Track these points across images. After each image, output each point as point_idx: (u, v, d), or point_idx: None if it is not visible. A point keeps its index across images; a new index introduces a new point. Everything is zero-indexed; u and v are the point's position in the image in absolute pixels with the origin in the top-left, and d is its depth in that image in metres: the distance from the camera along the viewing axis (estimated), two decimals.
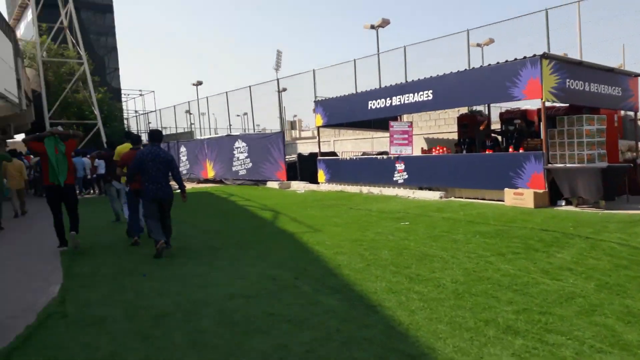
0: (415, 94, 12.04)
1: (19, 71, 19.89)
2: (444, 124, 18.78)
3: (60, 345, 3.16)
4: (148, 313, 3.77)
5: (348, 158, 15.64)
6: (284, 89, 28.58)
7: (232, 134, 21.32)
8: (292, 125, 38.79)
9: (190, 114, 35.51)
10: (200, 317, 3.65)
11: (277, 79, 24.09)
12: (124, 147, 7.63)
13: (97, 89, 27.05)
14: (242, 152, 18.80)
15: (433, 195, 11.54)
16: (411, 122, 13.45)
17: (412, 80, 12.37)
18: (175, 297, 4.18)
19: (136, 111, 42.38)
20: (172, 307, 3.90)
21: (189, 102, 31.12)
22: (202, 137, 22.87)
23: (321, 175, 15.25)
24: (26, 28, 30.19)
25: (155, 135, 6.43)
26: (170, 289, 4.48)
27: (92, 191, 18.24)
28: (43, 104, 24.18)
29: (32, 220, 10.74)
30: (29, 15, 28.86)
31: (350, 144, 20.93)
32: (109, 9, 32.75)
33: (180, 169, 22.90)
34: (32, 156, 17.92)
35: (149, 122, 40.61)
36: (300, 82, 24.69)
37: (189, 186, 19.38)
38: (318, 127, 15.53)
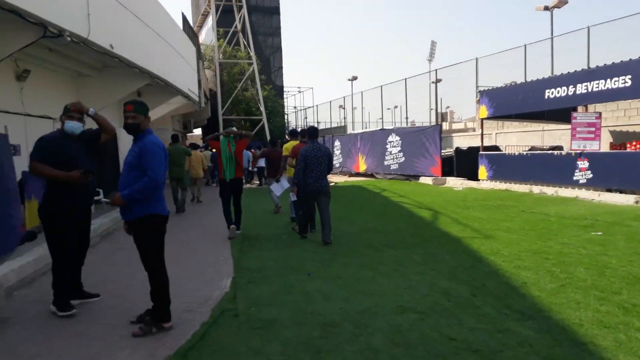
0: (608, 80, 10.11)
1: (200, 72, 22.58)
2: (636, 115, 15.66)
3: (233, 349, 3.12)
4: (316, 320, 3.59)
5: (516, 153, 14.05)
6: (439, 80, 27.39)
7: (385, 127, 21.00)
8: (443, 117, 36.92)
9: (343, 108, 36.40)
10: (371, 332, 3.32)
11: (436, 70, 22.98)
12: (290, 144, 8.32)
13: (263, 86, 29.32)
14: (395, 146, 18.36)
15: (625, 199, 9.60)
16: (600, 114, 11.38)
17: (605, 65, 10.42)
18: (342, 304, 3.94)
19: (295, 107, 45.13)
20: (340, 316, 3.66)
21: (344, 97, 31.84)
22: (356, 132, 23.07)
23: (482, 171, 13.97)
24: (206, 34, 34.27)
25: (313, 132, 6.93)
26: (336, 293, 4.27)
27: (254, 182, 19.73)
28: (217, 101, 27.06)
29: (209, 207, 11.88)
30: (210, 21, 32.69)
31: (515, 137, 18.87)
32: (276, 11, 35.20)
33: (335, 162, 23.57)
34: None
35: (306, 117, 42.85)
36: (456, 72, 23.24)
37: (341, 179, 19.74)
38: (482, 119, 14.24)
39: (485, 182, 13.84)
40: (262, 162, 15.53)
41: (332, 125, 35.48)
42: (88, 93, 14.19)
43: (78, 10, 9.05)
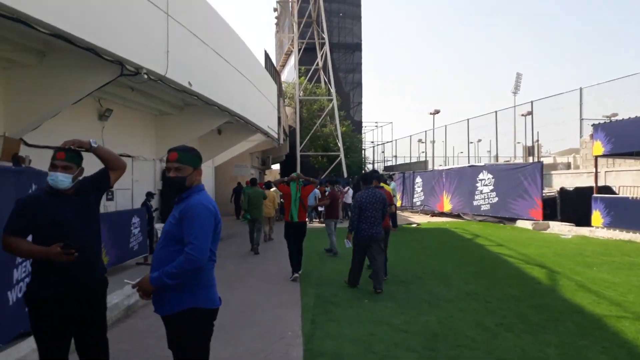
0: None
1: (280, 110, 22.57)
2: None
3: None
4: None
5: None
6: (529, 113, 25.44)
7: (475, 164, 19.27)
8: (530, 151, 33.83)
9: (422, 142, 34.84)
10: None
11: (531, 102, 20.90)
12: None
13: (342, 122, 28.83)
14: (486, 185, 16.55)
15: None
16: None
17: None
18: None
19: (372, 142, 44.22)
20: None
21: (425, 131, 30.38)
22: (441, 167, 21.47)
23: (597, 217, 11.81)
24: (289, 72, 34.90)
25: (367, 177, 6.92)
26: None
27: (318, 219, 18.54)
28: (296, 137, 26.89)
29: (281, 245, 11.03)
30: (292, 60, 33.28)
31: (630, 177, 16.23)
32: (357, 47, 35.06)
33: (415, 200, 22.00)
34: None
35: (383, 152, 41.75)
36: (547, 105, 21.14)
37: (424, 219, 18.15)
38: (596, 157, 12.18)
39: (600, 229, 11.66)
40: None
41: (412, 160, 33.96)
42: (167, 131, 14.31)
43: (157, 47, 8.90)
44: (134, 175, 12.48)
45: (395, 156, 36.26)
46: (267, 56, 19.34)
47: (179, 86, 9.83)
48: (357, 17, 35.74)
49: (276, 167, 34.98)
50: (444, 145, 29.86)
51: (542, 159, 30.13)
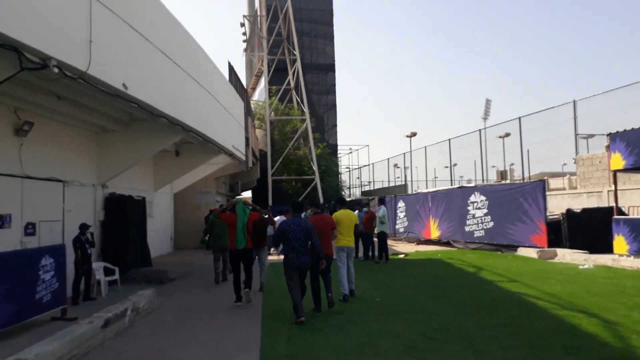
0: None
1: (248, 130, 20.58)
2: None
3: None
4: None
5: None
6: (507, 134, 24.37)
7: (465, 185, 17.59)
8: (502, 175, 32.78)
9: (397, 167, 33.38)
10: None
11: (519, 118, 19.48)
12: (342, 213, 8.00)
13: (317, 144, 27.04)
14: (479, 208, 14.82)
15: None
16: None
17: None
18: None
19: (348, 167, 42.60)
20: None
21: (404, 153, 28.82)
22: (426, 190, 19.71)
23: (620, 243, 10.10)
24: (259, 95, 33.11)
25: (297, 207, 6.96)
26: None
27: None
28: (267, 160, 24.87)
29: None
30: (263, 82, 31.56)
31: (638, 196, 14.80)
32: (331, 68, 33.73)
33: (397, 226, 20.07)
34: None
35: (359, 177, 40.13)
36: (531, 122, 19.81)
37: (410, 248, 16.19)
38: (615, 171, 10.55)
39: (626, 258, 9.93)
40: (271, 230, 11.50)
41: (391, 184, 32.32)
42: (111, 150, 12.03)
43: (75, 34, 6.82)
44: (65, 203, 10.12)
45: (373, 181, 34.62)
46: (231, 69, 17.43)
47: (110, 88, 7.71)
48: (330, 37, 34.56)
49: (247, 193, 32.70)
50: (424, 168, 28.40)
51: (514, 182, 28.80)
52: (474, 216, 14.99)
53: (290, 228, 6.44)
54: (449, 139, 23.40)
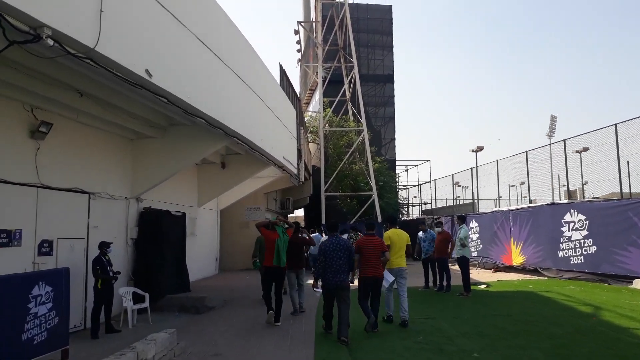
0: None
1: (301, 141, 19.02)
2: None
3: None
4: None
5: None
6: (585, 149, 20.93)
7: (558, 201, 14.93)
8: (571, 195, 28.83)
9: (459, 186, 30.54)
10: None
11: (615, 125, 16.43)
12: (392, 232, 7.57)
13: (374, 158, 25.04)
14: (577, 229, 12.15)
15: None
16: None
17: None
18: None
19: (407, 182, 40.08)
20: None
21: (472, 168, 26.07)
22: (506, 208, 17.05)
23: None
24: (313, 108, 31.73)
25: (331, 226, 7.23)
26: None
27: None
28: (321, 175, 23.19)
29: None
30: (317, 95, 30.18)
31: None
32: (390, 79, 31.90)
33: (471, 249, 17.44)
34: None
35: (415, 196, 37.44)
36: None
37: (487, 276, 13.64)
38: None
39: None
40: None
41: (458, 202, 29.51)
42: (146, 160, 10.65)
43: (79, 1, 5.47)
44: (91, 219, 8.80)
45: (435, 199, 31.91)
46: (283, 72, 15.93)
47: (129, 74, 6.25)
48: (389, 47, 32.75)
49: (300, 212, 31.09)
50: (492, 185, 25.43)
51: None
52: (569, 239, 12.32)
53: (329, 248, 6.59)
54: (526, 151, 20.53)
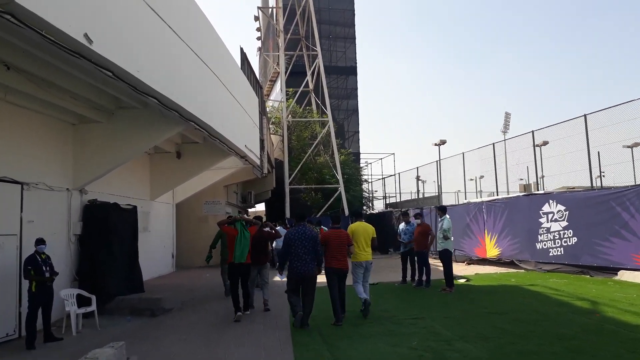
0: None
1: (264, 131, 17.95)
2: None
3: None
4: None
5: None
6: (545, 143, 20.99)
7: (535, 192, 14.62)
8: (526, 189, 29.17)
9: (420, 180, 30.33)
10: None
11: (585, 116, 16.30)
12: (357, 225, 7.59)
13: (340, 150, 24.30)
14: (556, 220, 11.83)
15: None
16: None
17: None
18: None
19: (370, 176, 39.62)
20: None
21: (436, 161, 25.77)
22: (479, 200, 16.67)
23: None
24: (274, 100, 30.61)
25: (299, 216, 7.27)
26: None
27: None
28: (285, 168, 22.20)
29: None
30: (278, 87, 29.02)
31: None
32: (353, 71, 31.17)
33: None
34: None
35: (377, 190, 37.09)
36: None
37: (463, 270, 13.17)
38: None
39: None
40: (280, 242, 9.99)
41: (420, 196, 29.29)
42: (91, 147, 9.33)
43: None
44: (24, 212, 7.48)
45: (400, 192, 31.57)
46: (244, 56, 14.80)
47: (62, 38, 5.08)
48: (351, 39, 32.01)
49: (261, 206, 29.98)
50: (455, 179, 25.21)
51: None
52: (548, 230, 11.99)
53: (295, 237, 6.60)
54: (493, 143, 20.25)
